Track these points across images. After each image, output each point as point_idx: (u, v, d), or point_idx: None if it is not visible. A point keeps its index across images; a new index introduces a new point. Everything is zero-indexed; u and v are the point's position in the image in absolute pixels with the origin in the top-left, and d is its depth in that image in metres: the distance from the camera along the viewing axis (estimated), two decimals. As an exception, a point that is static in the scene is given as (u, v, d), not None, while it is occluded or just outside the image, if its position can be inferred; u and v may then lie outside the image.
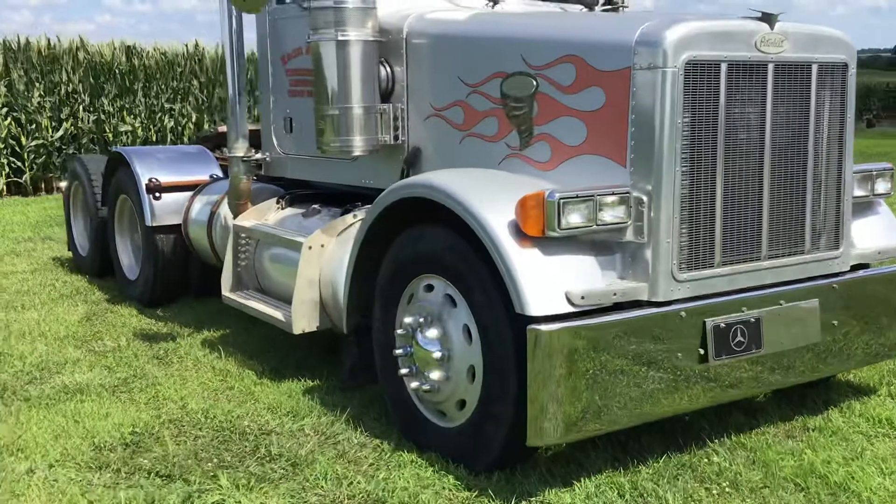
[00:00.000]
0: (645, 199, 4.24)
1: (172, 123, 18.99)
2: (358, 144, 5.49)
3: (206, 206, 7.34)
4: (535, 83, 4.71)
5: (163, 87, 19.00)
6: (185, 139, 18.88)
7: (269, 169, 6.77)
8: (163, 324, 7.58)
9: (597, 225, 4.19)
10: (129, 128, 18.18)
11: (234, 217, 6.74)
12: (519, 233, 4.15)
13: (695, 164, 4.30)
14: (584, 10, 6.43)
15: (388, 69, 5.57)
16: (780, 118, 4.55)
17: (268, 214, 6.54)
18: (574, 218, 4.12)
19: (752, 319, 4.50)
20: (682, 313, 4.31)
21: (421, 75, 5.44)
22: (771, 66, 4.46)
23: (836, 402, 5.42)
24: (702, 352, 4.35)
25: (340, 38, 5.35)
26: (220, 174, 8.02)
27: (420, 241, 4.71)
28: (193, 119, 19.27)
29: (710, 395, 4.47)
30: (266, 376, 6.05)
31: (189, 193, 7.84)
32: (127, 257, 8.65)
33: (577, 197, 4.12)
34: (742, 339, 4.47)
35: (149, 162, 8.05)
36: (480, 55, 5.05)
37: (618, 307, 4.24)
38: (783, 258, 4.70)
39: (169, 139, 18.69)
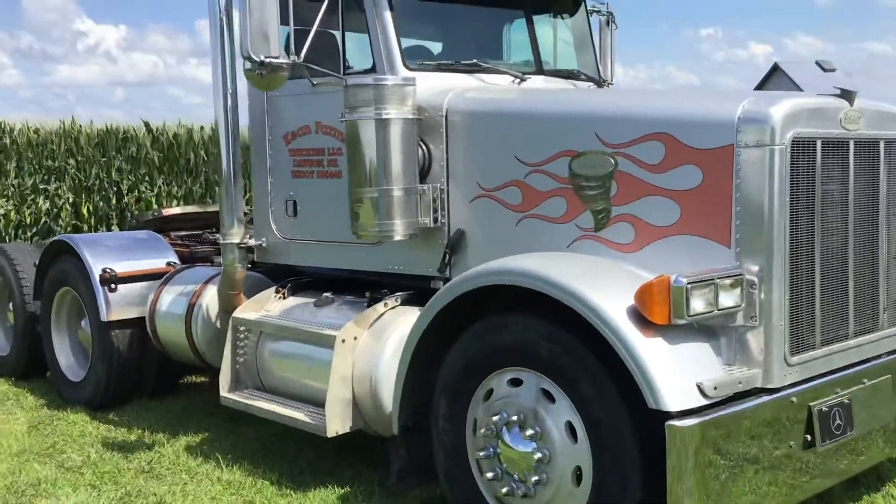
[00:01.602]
0: (756, 280, 4.08)
1: (48, 205, 17.74)
2: (399, 228, 5.12)
3: (181, 297, 6.70)
4: (612, 162, 4.51)
5: (35, 166, 17.79)
6: (61, 221, 17.69)
7: (266, 255, 6.25)
8: (126, 430, 6.82)
9: (717, 310, 3.98)
10: (1, 210, 16.85)
11: (226, 309, 6.17)
12: (642, 321, 3.89)
13: (798, 244, 4.19)
14: (593, 86, 6.33)
15: (425, 148, 5.25)
16: (858, 194, 4.52)
17: (268, 305, 6.02)
18: (698, 304, 3.91)
19: (846, 401, 4.38)
20: (794, 398, 4.15)
21: (464, 154, 5.15)
22: (852, 143, 4.44)
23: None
24: (808, 438, 4.18)
25: (382, 116, 5.00)
26: (177, 261, 7.41)
27: (502, 332, 4.37)
28: (71, 200, 18.09)
29: (815, 482, 4.30)
30: (286, 486, 5.47)
31: (147, 284, 7.17)
32: (66, 357, 7.82)
33: (701, 281, 3.90)
34: (840, 423, 4.34)
35: (99, 250, 7.35)
36: (542, 133, 4.82)
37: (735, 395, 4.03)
38: (865, 335, 4.63)
39: (44, 222, 17.45)
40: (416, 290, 5.43)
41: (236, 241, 6.08)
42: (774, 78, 51.42)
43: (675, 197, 4.31)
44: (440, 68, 5.54)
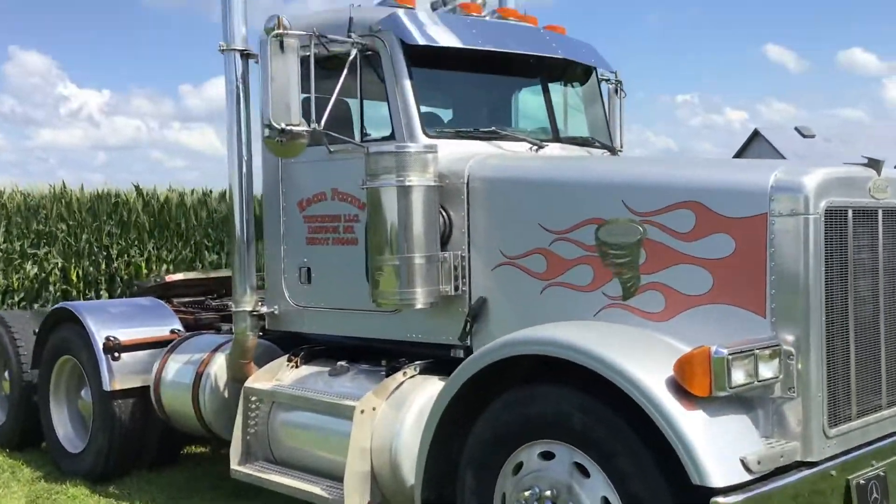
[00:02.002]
0: (793, 351, 4.02)
1: (37, 270, 17.55)
2: (420, 296, 5.04)
3: (188, 366, 6.57)
4: (640, 230, 4.47)
5: (24, 230, 17.64)
6: (52, 286, 17.49)
7: (277, 323, 6.14)
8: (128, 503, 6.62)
9: (757, 381, 3.91)
10: (-12, 275, 16.65)
11: (236, 378, 6.05)
12: (682, 393, 3.81)
13: (834, 313, 4.14)
14: (607, 153, 6.33)
15: (446, 215, 5.20)
16: (888, 262, 4.49)
17: (280, 374, 5.89)
18: (739, 375, 3.84)
19: (882, 473, 4.30)
20: (833, 472, 4.06)
21: (487, 221, 5.10)
22: (881, 212, 4.43)
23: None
24: None
25: (405, 183, 4.96)
26: (181, 328, 7.29)
27: (532, 403, 4.27)
28: (60, 265, 17.91)
29: None
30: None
31: (151, 352, 7.04)
32: (64, 427, 7.63)
33: (741, 352, 3.84)
34: (877, 496, 4.26)
35: (102, 318, 7.22)
36: (568, 200, 4.79)
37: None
38: None
39: (32, 287, 17.23)
40: (435, 358, 5.33)
41: (248, 308, 5.99)
42: (755, 144, 52.09)
43: (707, 265, 4.27)
44: (459, 135, 5.52)
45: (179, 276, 8.47)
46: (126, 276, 16.47)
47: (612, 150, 6.38)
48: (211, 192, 19.77)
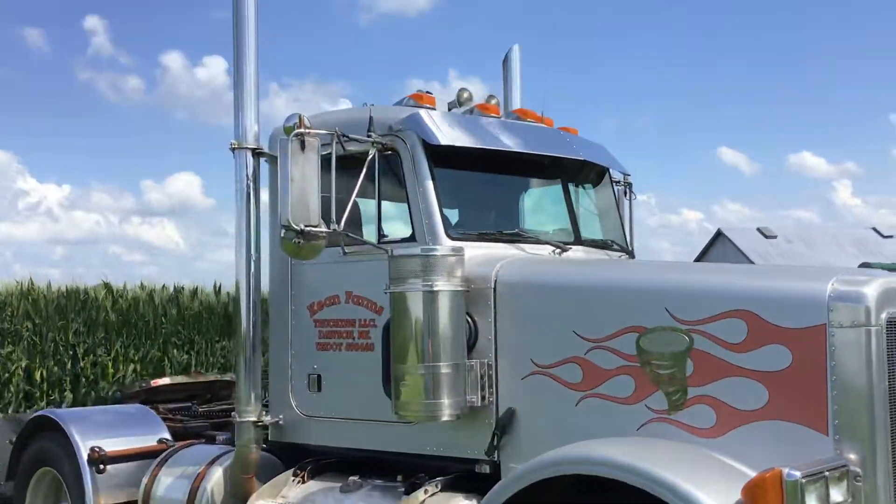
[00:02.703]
0: (859, 472, 3.78)
1: (-1, 370, 16.88)
2: (446, 407, 4.75)
3: (181, 480, 6.14)
4: (687, 339, 4.25)
5: (-13, 328, 17.02)
6: (13, 387, 16.80)
7: (281, 434, 5.78)
8: None
9: None
10: (-52, 375, 15.94)
11: (236, 494, 5.66)
12: None
13: (896, 429, 3.92)
14: (625, 256, 6.16)
15: (471, 321, 4.95)
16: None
17: (286, 490, 5.50)
18: (811, 500, 3.57)
19: None
20: None
21: (516, 328, 4.86)
22: None
23: None
24: None
25: (433, 288, 4.71)
26: (169, 437, 6.88)
27: None
28: (23, 365, 17.26)
29: None
30: None
31: (139, 464, 6.62)
32: (39, 545, 7.10)
33: (813, 475, 3.58)
34: None
35: (86, 426, 6.80)
36: (606, 307, 4.57)
37: None
38: None
39: (-6, 387, 16.51)
40: (456, 474, 5.01)
41: (253, 418, 5.66)
42: (718, 244, 52.79)
43: (762, 379, 4.05)
44: (482, 237, 5.32)
45: (166, 381, 8.09)
46: (91, 377, 15.90)
47: (630, 254, 6.22)
48: (182, 288, 19.34)
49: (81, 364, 17.10)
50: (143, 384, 8.11)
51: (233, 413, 5.78)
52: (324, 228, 4.92)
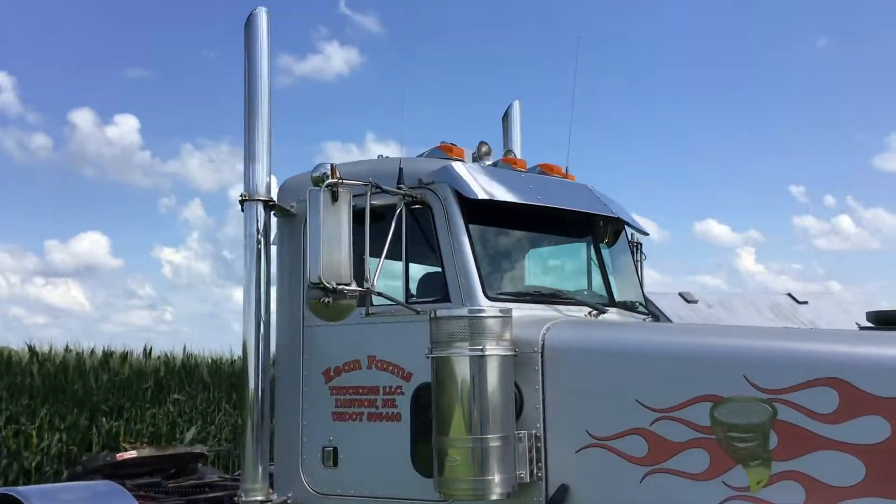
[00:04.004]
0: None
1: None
2: (497, 485, 4.33)
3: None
4: (770, 409, 3.95)
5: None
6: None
7: (290, 514, 5.24)
8: None
9: None
10: None
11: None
12: None
13: None
14: (650, 319, 5.87)
15: (517, 389, 4.56)
16: None
17: (298, 579, 4.96)
18: None
19: None
20: None
21: (568, 396, 4.49)
22: None
23: None
24: None
25: (482, 352, 4.33)
26: (143, 516, 6.26)
27: None
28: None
29: None
30: None
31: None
32: None
33: None
34: None
35: (55, 506, 6.12)
36: (674, 374, 4.24)
37: None
38: None
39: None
40: None
41: (261, 497, 5.12)
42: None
43: (857, 452, 3.76)
44: (519, 298, 4.95)
45: (132, 454, 7.42)
46: (14, 447, 14.85)
47: (655, 317, 5.92)
48: (112, 353, 18.46)
49: (3, 433, 15.99)
50: (108, 457, 7.42)
51: (239, 492, 5.22)
52: (356, 287, 4.51)
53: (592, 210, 5.44)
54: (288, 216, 5.42)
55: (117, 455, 7.34)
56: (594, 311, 5.19)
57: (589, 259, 5.61)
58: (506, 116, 7.29)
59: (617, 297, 5.53)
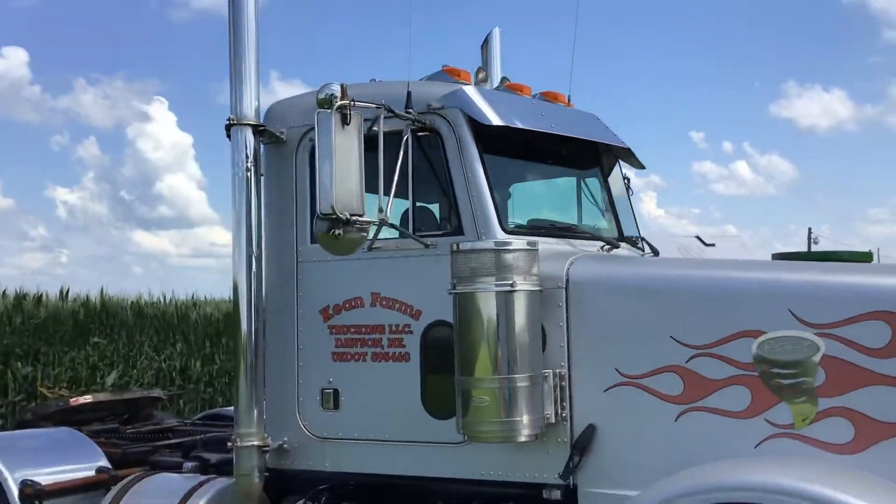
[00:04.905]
0: None
1: None
2: (525, 426, 4.11)
3: (152, 518, 5.18)
4: (817, 345, 3.81)
5: None
6: None
7: (284, 459, 4.93)
8: None
9: None
10: None
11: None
12: None
13: None
14: (651, 254, 5.68)
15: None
16: None
17: (297, 527, 4.69)
18: None
19: None
20: None
21: (595, 333, 4.27)
22: None
23: None
24: None
25: (513, 287, 4.07)
26: (109, 466, 5.87)
27: None
28: None
29: None
30: None
31: (80, 499, 5.60)
32: None
33: None
34: None
35: (13, 455, 5.70)
36: (712, 310, 4.06)
37: None
38: None
39: None
40: (516, 500, 4.39)
41: (258, 442, 4.80)
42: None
43: (908, 386, 3.65)
44: (534, 232, 4.69)
45: (88, 399, 6.97)
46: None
47: (655, 252, 5.74)
48: (26, 295, 17.68)
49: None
50: (61, 403, 6.95)
51: (233, 437, 4.88)
52: (371, 218, 4.20)
53: (604, 140, 5.20)
54: (278, 143, 5.02)
55: (71, 400, 6.87)
56: (607, 246, 4.99)
57: (601, 192, 5.38)
58: (485, 44, 6.94)
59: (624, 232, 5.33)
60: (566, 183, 5.38)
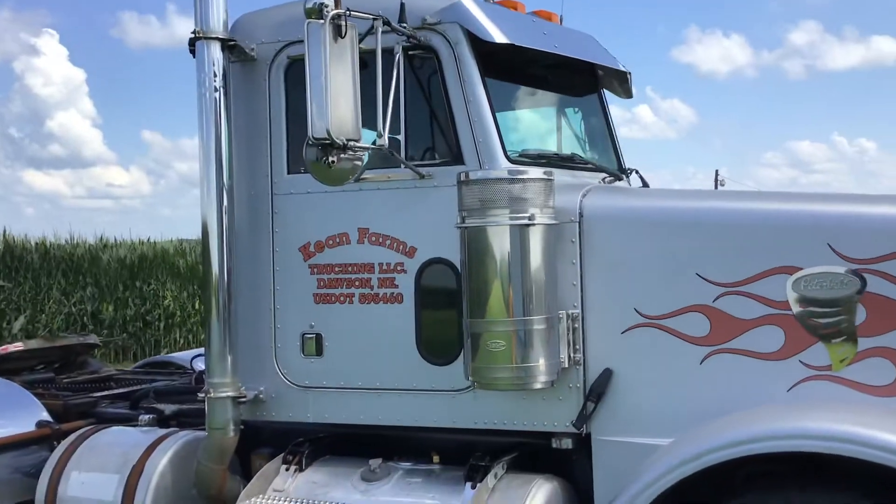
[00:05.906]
0: None
1: None
2: (542, 372, 3.79)
3: (108, 475, 4.70)
4: (858, 281, 3.57)
5: None
6: None
7: (258, 410, 4.50)
8: None
9: None
10: None
11: (208, 492, 4.38)
12: None
13: None
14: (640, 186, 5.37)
15: None
16: None
17: (278, 482, 4.29)
18: None
19: None
20: None
21: (612, 271, 3.94)
22: None
23: None
24: None
25: (530, 220, 3.71)
26: (50, 419, 5.36)
27: None
28: None
29: None
30: None
31: (20, 455, 5.10)
32: None
33: None
34: None
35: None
36: (744, 245, 3.77)
37: None
38: None
39: None
40: (522, 450, 4.10)
41: (232, 393, 4.36)
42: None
43: (953, 324, 3.45)
44: (536, 162, 4.32)
45: (18, 347, 6.37)
46: None
47: (644, 183, 5.43)
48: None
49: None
50: (-10, 348, 6.34)
51: (205, 387, 4.42)
52: (368, 144, 3.76)
53: (605, 63, 4.83)
54: (246, 61, 4.49)
55: (1, 348, 6.27)
56: (610, 178, 4.65)
57: (601, 120, 5.02)
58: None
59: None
60: (564, 110, 4.99)
